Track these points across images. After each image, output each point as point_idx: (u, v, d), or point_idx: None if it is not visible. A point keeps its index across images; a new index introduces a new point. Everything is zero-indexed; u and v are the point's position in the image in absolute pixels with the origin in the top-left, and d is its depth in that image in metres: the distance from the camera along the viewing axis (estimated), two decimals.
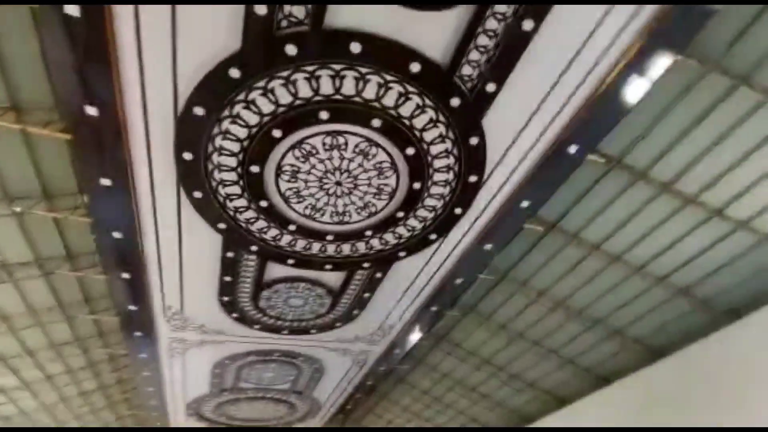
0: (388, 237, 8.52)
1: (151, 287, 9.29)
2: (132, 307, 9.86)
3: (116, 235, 7.77)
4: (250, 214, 7.61)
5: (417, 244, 8.75)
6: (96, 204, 7.16)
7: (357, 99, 5.96)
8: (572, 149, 6.96)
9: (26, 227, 8.91)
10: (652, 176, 8.42)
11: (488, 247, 9.08)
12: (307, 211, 7.70)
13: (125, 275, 8.81)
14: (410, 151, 6.73)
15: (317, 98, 5.90)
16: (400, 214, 7.93)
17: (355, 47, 5.28)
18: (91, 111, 5.75)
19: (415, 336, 12.67)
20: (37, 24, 5.97)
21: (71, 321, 12.51)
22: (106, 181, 6.75)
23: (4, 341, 12.31)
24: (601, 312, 11.61)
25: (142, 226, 7.64)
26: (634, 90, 6.04)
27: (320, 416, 18.45)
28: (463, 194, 7.67)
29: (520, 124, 6.52)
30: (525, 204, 8.07)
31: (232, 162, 6.66)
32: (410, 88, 5.83)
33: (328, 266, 9.16)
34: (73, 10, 4.62)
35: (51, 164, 7.82)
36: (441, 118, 6.30)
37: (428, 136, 6.55)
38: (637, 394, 12.37)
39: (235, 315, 10.59)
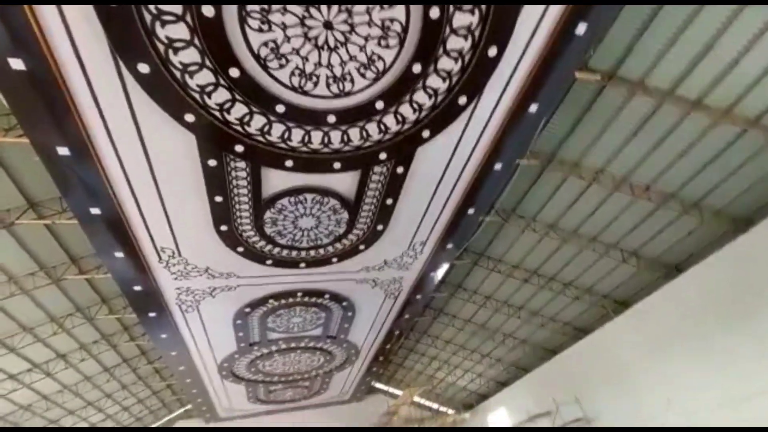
0: (405, 110, 6.63)
1: (132, 223, 7.73)
2: (119, 254, 8.36)
3: (62, 151, 6.09)
4: (223, 94, 5.78)
5: (443, 114, 6.84)
6: (15, 101, 5.39)
7: None
8: None
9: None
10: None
11: (534, 108, 7.12)
12: (296, 81, 5.82)
13: (95, 210, 7.22)
14: None
15: None
16: (417, 69, 5.98)
17: None
18: None
19: (451, 253, 11.06)
20: None
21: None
22: (17, 63, 4.98)
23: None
24: (675, 186, 9.67)
25: (90, 131, 5.92)
26: None
27: (359, 361, 17.50)
28: (499, 23, 5.64)
29: None
30: (581, 29, 6.01)
31: (176, 7, 4.78)
32: None
33: (336, 165, 7.39)
34: None
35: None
36: None
37: None
38: (705, 283, 10.71)
39: (240, 249, 9.06)
